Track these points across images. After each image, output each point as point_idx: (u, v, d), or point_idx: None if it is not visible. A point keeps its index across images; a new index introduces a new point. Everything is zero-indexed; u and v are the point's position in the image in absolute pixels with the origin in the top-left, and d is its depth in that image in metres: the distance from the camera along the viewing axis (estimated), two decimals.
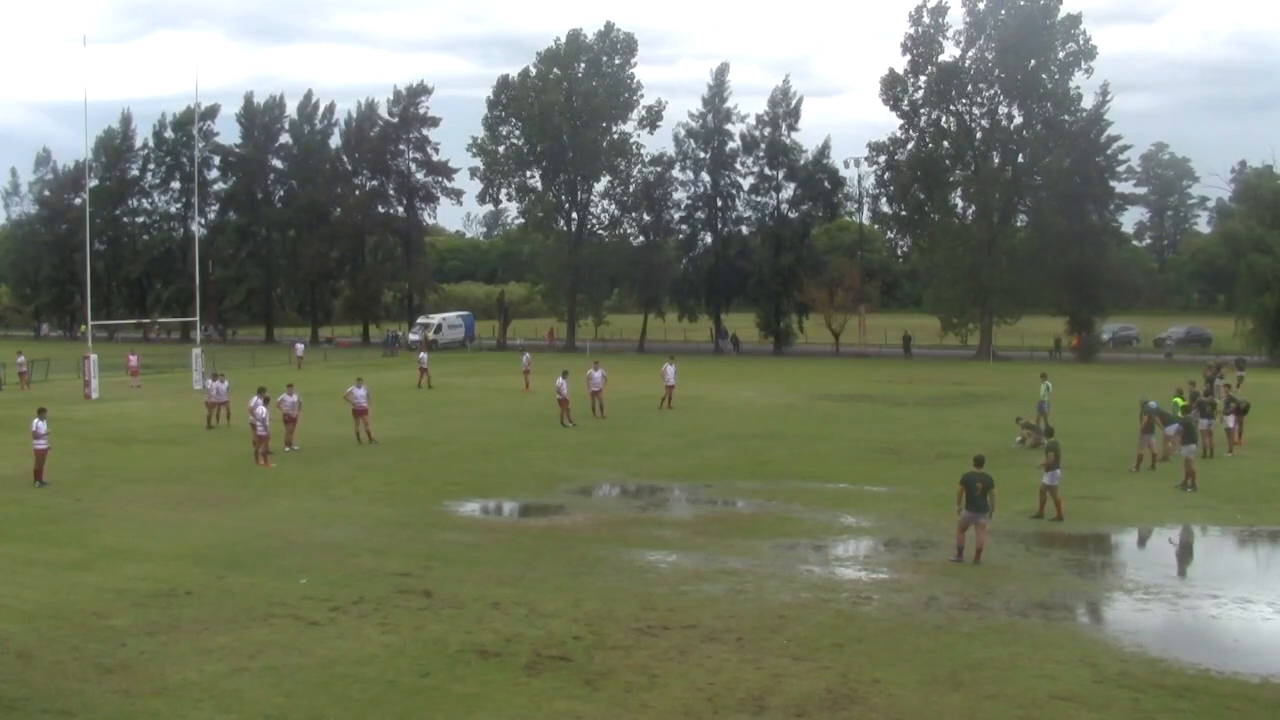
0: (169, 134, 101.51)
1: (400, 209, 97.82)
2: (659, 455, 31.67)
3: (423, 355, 55.15)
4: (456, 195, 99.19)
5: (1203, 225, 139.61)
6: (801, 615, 16.20)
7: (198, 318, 62.39)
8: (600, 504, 25.63)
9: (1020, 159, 74.54)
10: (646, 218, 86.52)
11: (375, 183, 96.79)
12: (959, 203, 77.75)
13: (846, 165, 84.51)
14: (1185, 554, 21.37)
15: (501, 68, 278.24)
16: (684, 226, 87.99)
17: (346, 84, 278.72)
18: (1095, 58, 72.17)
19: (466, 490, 26.79)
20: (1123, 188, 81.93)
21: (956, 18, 74.23)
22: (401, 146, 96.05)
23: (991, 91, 73.96)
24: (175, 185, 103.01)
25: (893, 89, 75.16)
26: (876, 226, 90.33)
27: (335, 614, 16.22)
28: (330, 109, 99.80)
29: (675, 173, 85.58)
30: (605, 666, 14.04)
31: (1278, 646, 15.50)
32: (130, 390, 51.31)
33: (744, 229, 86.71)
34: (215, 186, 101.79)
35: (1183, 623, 16.18)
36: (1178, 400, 30.79)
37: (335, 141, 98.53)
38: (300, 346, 70.87)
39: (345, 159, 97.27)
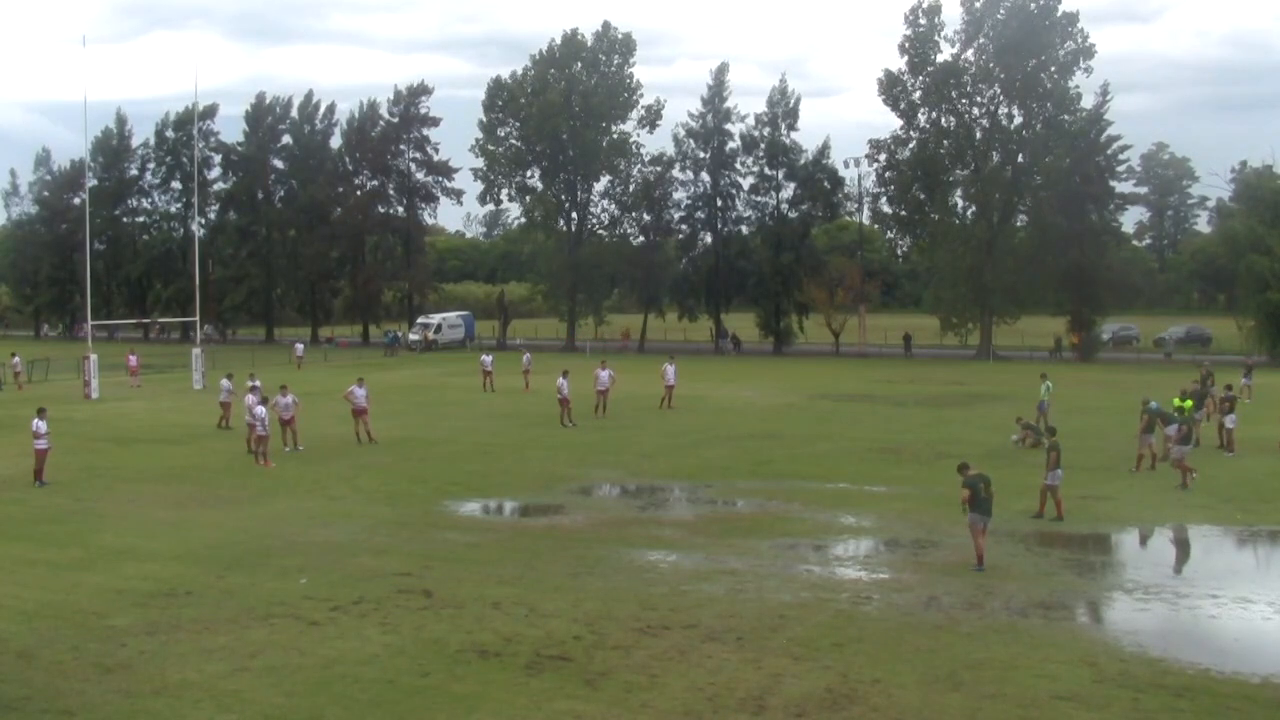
0: (169, 134, 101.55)
1: (400, 209, 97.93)
2: (659, 455, 31.65)
3: (486, 358, 52.01)
4: (456, 195, 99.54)
5: (1203, 225, 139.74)
6: (801, 615, 16.20)
7: (198, 318, 62.39)
8: (600, 504, 25.63)
9: (1020, 159, 74.47)
10: (646, 217, 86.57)
11: (375, 183, 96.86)
12: (959, 202, 77.73)
13: (846, 165, 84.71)
14: (1183, 551, 21.38)
15: (498, 67, 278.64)
16: (684, 226, 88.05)
17: (344, 84, 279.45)
18: (1094, 57, 72.29)
19: (466, 490, 26.79)
20: (1123, 188, 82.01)
21: (953, 18, 74.36)
22: (401, 146, 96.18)
23: (991, 91, 73.93)
24: (175, 185, 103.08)
25: (891, 89, 75.18)
26: (876, 226, 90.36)
27: (335, 614, 16.22)
28: (331, 109, 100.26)
29: (675, 173, 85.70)
30: (605, 666, 14.04)
31: (1278, 646, 15.50)
32: (130, 390, 51.32)
33: (744, 229, 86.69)
34: (215, 186, 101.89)
35: (1183, 623, 16.18)
36: (1176, 401, 30.73)
37: (336, 141, 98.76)
38: (300, 346, 70.88)
39: (346, 159, 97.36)
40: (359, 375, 38.69)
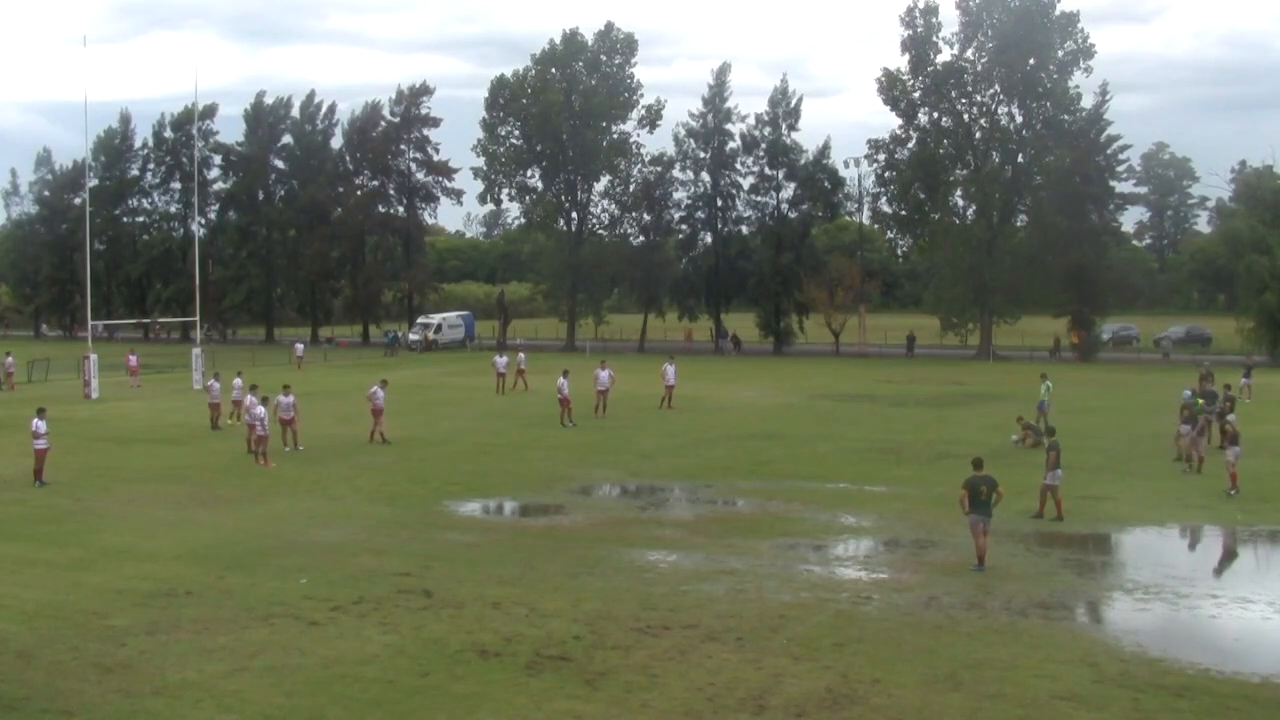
0: (168, 134, 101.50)
1: (400, 209, 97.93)
2: (659, 455, 31.66)
3: (500, 359, 50.91)
4: (456, 195, 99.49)
5: (1203, 225, 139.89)
6: (801, 615, 16.20)
7: (198, 318, 62.39)
8: (600, 504, 25.63)
9: (1020, 159, 74.50)
10: (646, 217, 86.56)
11: (376, 183, 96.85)
12: (959, 202, 77.75)
13: (846, 165, 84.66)
14: (1228, 555, 21.32)
15: (497, 67, 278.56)
16: (684, 226, 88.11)
17: (344, 84, 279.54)
18: (1094, 57, 72.34)
19: (466, 490, 26.79)
20: (1123, 188, 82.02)
21: (951, 18, 74.34)
22: (402, 146, 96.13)
23: (991, 91, 73.95)
24: (175, 185, 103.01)
25: (891, 89, 75.17)
26: (876, 226, 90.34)
27: (335, 614, 16.22)
28: (331, 109, 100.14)
29: (675, 173, 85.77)
30: (605, 666, 14.04)
31: (1278, 646, 15.50)
32: (130, 390, 51.29)
33: (744, 229, 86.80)
34: (215, 186, 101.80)
35: (1183, 623, 16.18)
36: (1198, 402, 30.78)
37: (336, 141, 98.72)
38: (300, 346, 70.82)
39: (346, 159, 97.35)
40: (383, 377, 38.85)
